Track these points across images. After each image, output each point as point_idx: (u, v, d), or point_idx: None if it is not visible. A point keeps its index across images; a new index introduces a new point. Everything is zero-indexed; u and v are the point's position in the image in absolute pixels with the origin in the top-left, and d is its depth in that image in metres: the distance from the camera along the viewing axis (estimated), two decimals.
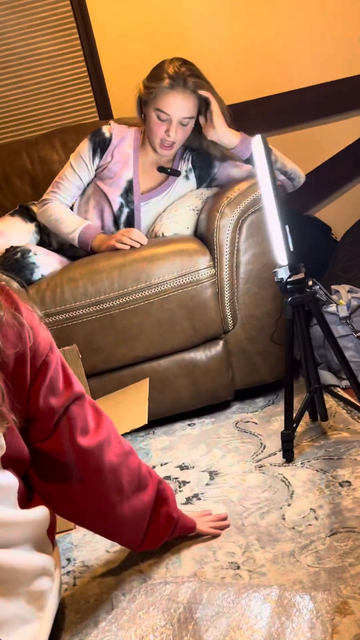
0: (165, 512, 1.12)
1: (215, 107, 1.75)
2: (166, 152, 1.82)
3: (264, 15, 2.38)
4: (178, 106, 1.74)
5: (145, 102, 1.79)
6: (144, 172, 1.88)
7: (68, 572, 1.19)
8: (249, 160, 1.79)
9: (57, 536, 1.13)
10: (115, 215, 1.84)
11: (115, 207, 1.84)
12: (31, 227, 1.90)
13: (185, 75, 1.72)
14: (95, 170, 1.87)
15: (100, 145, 1.85)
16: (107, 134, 1.86)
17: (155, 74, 1.75)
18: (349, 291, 1.90)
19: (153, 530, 1.11)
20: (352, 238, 2.30)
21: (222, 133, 1.77)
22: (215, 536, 1.19)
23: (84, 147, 1.87)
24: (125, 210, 1.84)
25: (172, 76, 1.71)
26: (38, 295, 1.64)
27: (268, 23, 2.38)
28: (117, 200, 1.84)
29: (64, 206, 1.86)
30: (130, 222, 1.86)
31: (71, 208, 1.89)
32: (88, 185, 1.90)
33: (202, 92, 1.74)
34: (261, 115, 2.32)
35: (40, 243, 1.89)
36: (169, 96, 1.73)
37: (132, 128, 1.91)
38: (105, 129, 1.88)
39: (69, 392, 0.98)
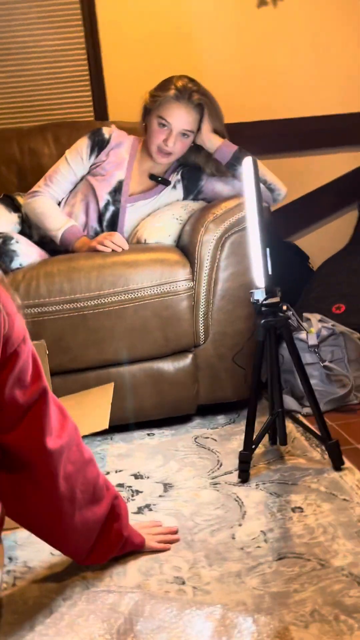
0: (117, 529, 1.10)
1: (206, 115, 1.81)
2: (162, 159, 1.84)
3: (271, 43, 2.42)
4: (180, 117, 1.78)
5: (149, 111, 1.83)
6: (135, 176, 1.91)
7: (8, 572, 1.16)
8: (228, 166, 1.83)
9: (2, 533, 1.10)
10: (101, 212, 1.85)
11: (102, 204, 1.85)
12: (14, 217, 1.88)
13: (192, 90, 1.78)
14: (90, 167, 1.90)
15: (99, 144, 1.89)
16: (107, 135, 1.90)
17: (163, 85, 1.81)
18: (320, 320, 1.93)
19: (101, 545, 1.09)
20: (328, 269, 2.35)
21: (205, 136, 1.83)
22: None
23: (82, 143, 1.90)
24: (111, 209, 1.85)
25: (179, 89, 1.77)
26: (12, 285, 1.61)
27: (274, 51, 2.43)
28: (104, 197, 1.85)
29: (52, 201, 1.86)
30: (114, 221, 1.86)
31: (59, 202, 1.89)
32: (80, 180, 1.91)
33: (201, 102, 1.79)
34: (254, 138, 2.35)
35: (21, 234, 1.87)
36: (172, 106, 1.77)
37: (131, 136, 1.94)
38: (105, 130, 1.91)
39: (36, 387, 0.95)
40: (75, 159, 1.88)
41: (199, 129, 1.83)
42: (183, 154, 1.88)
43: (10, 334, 0.90)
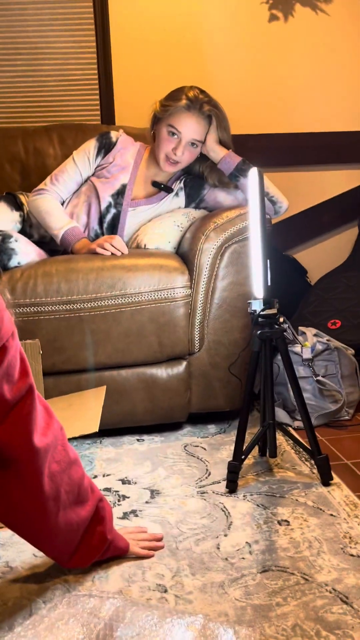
0: (100, 532, 1.09)
1: (213, 125, 1.83)
2: (169, 167, 1.86)
3: (280, 58, 2.45)
4: (190, 127, 1.80)
5: (159, 120, 1.85)
6: (138, 182, 1.92)
7: None
8: (231, 177, 1.84)
9: None
10: (102, 213, 1.86)
11: (103, 205, 1.86)
12: (15, 215, 1.88)
13: (203, 101, 1.80)
14: (95, 169, 1.92)
15: (105, 147, 1.91)
16: (114, 139, 1.93)
17: (174, 95, 1.83)
18: (315, 335, 1.94)
19: (84, 548, 1.08)
20: (325, 285, 2.36)
21: (210, 146, 1.85)
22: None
23: (90, 145, 1.93)
24: (112, 211, 1.86)
25: (191, 99, 1.79)
26: (10, 283, 1.61)
27: (282, 65, 2.45)
28: (106, 198, 1.86)
29: (57, 201, 1.88)
30: (114, 224, 1.87)
31: (63, 202, 1.92)
32: (85, 182, 1.92)
33: (211, 113, 1.81)
34: (258, 151, 2.37)
35: (22, 233, 1.87)
36: (183, 115, 1.80)
37: (137, 142, 1.97)
38: (113, 134, 1.95)
39: (23, 383, 0.95)
40: (82, 160, 1.91)
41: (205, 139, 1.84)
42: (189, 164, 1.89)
43: (0, 328, 0.89)
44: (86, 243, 1.78)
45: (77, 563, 1.10)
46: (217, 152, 1.84)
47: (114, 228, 1.88)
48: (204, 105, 1.79)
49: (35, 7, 2.33)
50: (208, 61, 2.41)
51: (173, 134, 1.81)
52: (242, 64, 2.43)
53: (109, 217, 1.87)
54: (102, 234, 1.88)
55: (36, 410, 0.97)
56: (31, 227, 1.89)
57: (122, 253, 1.72)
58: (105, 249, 1.72)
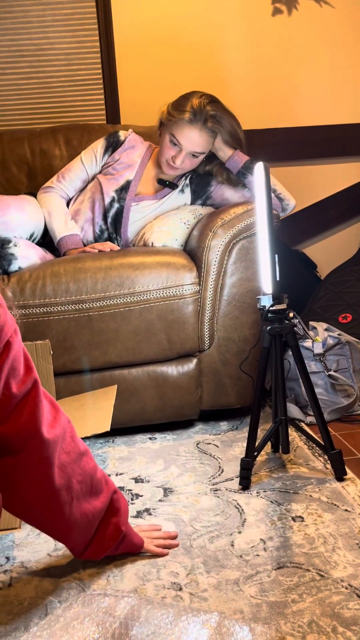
0: (115, 524, 1.09)
1: (220, 133, 1.83)
2: (170, 171, 1.89)
3: (284, 51, 2.43)
4: (191, 140, 1.81)
5: (164, 125, 1.86)
6: (144, 179, 1.94)
7: (5, 571, 1.15)
8: (239, 174, 1.84)
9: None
10: (105, 208, 1.88)
11: (107, 200, 1.88)
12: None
13: (208, 115, 1.78)
14: (102, 167, 1.95)
15: (113, 145, 1.95)
16: (122, 137, 1.97)
17: (181, 103, 1.81)
18: (326, 329, 1.92)
19: (99, 539, 1.09)
20: (335, 279, 2.34)
21: (217, 146, 1.86)
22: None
23: (98, 144, 1.97)
24: (115, 206, 1.88)
25: (196, 111, 1.77)
26: (19, 285, 1.61)
27: (287, 59, 2.44)
28: (110, 193, 1.89)
29: (62, 200, 1.92)
30: (117, 219, 1.89)
31: (70, 199, 1.96)
32: (92, 180, 1.96)
33: (214, 129, 1.80)
34: (266, 146, 2.36)
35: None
36: (185, 129, 1.80)
37: (146, 142, 1.99)
38: (122, 133, 1.98)
39: (28, 377, 0.96)
40: (89, 158, 1.95)
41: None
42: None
43: (3, 325, 0.90)
44: (79, 250, 1.83)
45: (91, 554, 1.10)
46: (224, 152, 1.85)
47: (117, 223, 1.89)
48: (209, 120, 1.77)
49: (38, 9, 2.33)
50: (212, 57, 2.40)
51: (175, 144, 1.82)
52: (246, 59, 2.42)
53: (112, 212, 1.89)
54: (107, 229, 1.90)
55: (42, 403, 0.98)
56: None
57: (110, 250, 1.75)
58: (94, 249, 1.77)
